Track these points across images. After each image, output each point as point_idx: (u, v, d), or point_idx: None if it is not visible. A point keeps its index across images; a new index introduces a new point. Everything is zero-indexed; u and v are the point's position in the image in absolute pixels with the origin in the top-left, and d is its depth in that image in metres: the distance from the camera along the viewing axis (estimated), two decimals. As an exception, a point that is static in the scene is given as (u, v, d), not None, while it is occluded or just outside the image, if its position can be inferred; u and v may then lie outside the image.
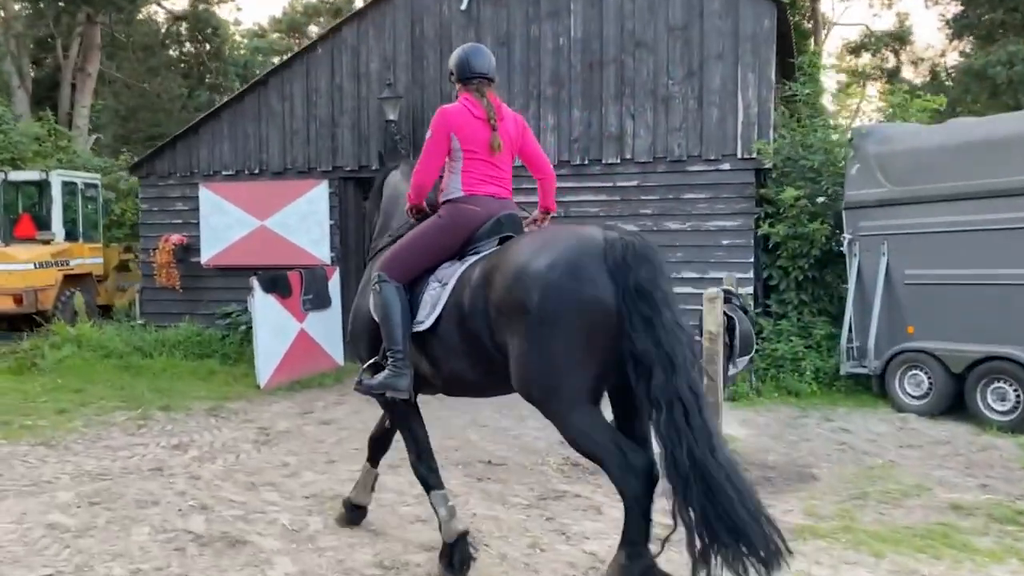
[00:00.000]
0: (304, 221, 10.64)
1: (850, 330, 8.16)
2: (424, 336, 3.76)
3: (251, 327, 10.38)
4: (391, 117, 9.91)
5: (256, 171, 10.94)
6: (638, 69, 9.29)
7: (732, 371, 7.87)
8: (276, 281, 9.15)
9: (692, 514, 3.01)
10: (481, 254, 3.73)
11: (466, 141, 3.88)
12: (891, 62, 28.44)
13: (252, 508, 4.96)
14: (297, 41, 33.39)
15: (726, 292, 7.82)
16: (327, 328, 10.02)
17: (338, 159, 10.54)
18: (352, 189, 10.72)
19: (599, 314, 3.16)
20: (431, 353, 3.79)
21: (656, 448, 3.18)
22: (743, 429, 7.01)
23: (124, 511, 4.86)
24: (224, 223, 10.97)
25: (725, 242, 9.03)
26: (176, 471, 5.77)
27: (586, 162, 9.47)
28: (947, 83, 23.73)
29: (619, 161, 9.36)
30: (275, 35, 33.58)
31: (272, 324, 9.06)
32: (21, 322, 12.03)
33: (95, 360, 9.92)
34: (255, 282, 8.79)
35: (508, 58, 9.73)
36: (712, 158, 9.04)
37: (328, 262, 10.53)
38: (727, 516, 2.97)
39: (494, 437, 6.85)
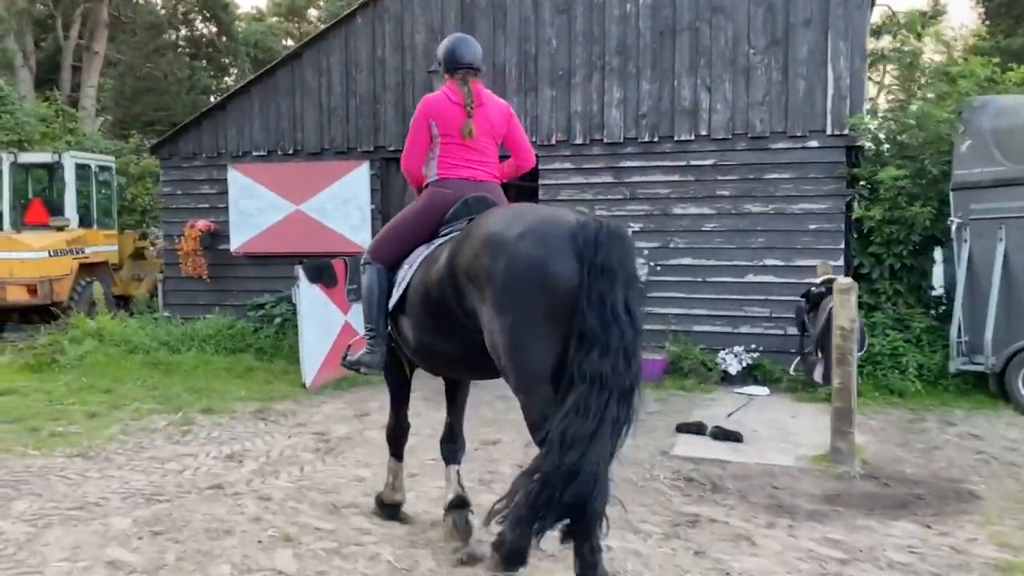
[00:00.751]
0: (343, 206, 9.89)
1: (959, 323, 7.46)
2: (396, 314, 4.00)
3: (287, 319, 9.71)
4: (441, 91, 9.14)
5: (290, 151, 10.17)
6: (715, 37, 8.53)
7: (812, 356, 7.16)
8: (321, 270, 8.42)
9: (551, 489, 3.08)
10: (448, 236, 3.85)
11: (443, 127, 4.07)
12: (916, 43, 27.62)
13: (344, 539, 4.24)
14: (296, 25, 32.50)
15: (826, 283, 7.14)
16: (370, 321, 9.27)
17: (380, 138, 9.78)
18: (395, 171, 9.94)
19: (561, 288, 3.19)
20: (403, 330, 4.00)
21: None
22: (860, 435, 6.31)
23: (194, 543, 4.14)
24: (255, 208, 10.21)
25: (812, 227, 8.30)
26: (239, 489, 5.05)
27: (656, 139, 8.73)
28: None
29: (693, 138, 8.61)
30: (274, 19, 32.66)
31: (318, 317, 8.34)
32: (34, 314, 11.30)
33: (119, 356, 9.18)
34: (300, 271, 8.06)
35: (569, 26, 8.97)
36: (798, 134, 8.30)
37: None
38: (575, 502, 3.08)
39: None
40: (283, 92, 10.16)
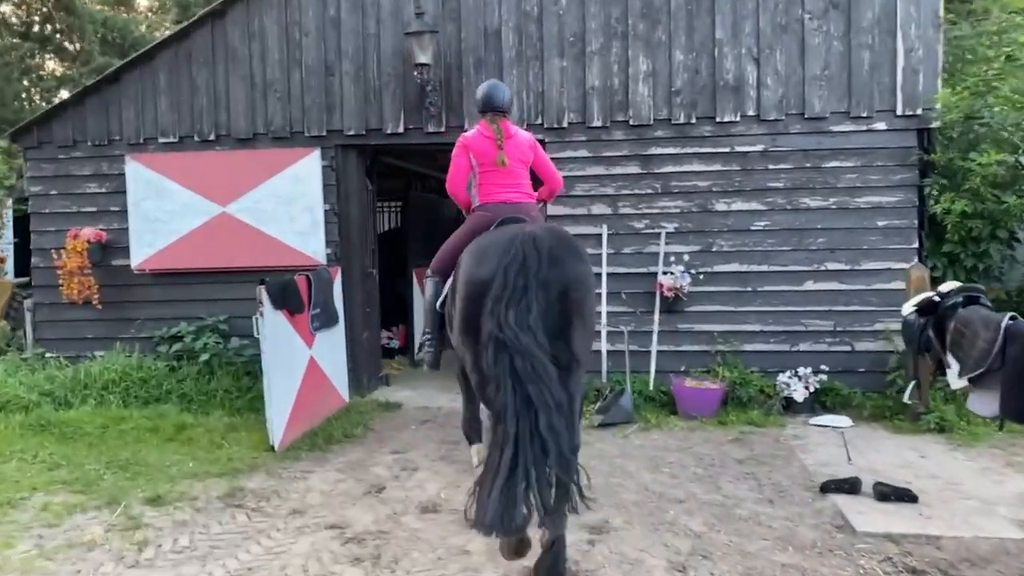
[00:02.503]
0: (286, 206, 7.85)
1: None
2: (444, 320, 4.68)
3: (215, 355, 7.60)
4: (422, 60, 7.33)
5: (211, 137, 8.01)
6: (764, 0, 7.25)
7: (959, 382, 5.97)
8: (287, 291, 6.42)
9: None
10: None
11: (479, 157, 4.87)
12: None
13: None
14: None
15: (959, 292, 5.97)
16: (333, 352, 7.35)
17: (335, 120, 7.83)
18: (355, 161, 8.03)
19: (474, 293, 3.65)
20: (447, 334, 4.57)
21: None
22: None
23: None
24: (165, 211, 7.97)
25: (881, 223, 7.18)
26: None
27: (692, 120, 7.34)
28: None
29: (738, 119, 7.29)
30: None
31: (284, 354, 6.34)
32: None
33: (-17, 417, 6.76)
34: (264, 294, 6.04)
35: (581, -17, 7.45)
36: (863, 115, 7.15)
37: (324, 261, 7.82)
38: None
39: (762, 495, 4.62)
40: (201, 61, 7.99)
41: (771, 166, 7.28)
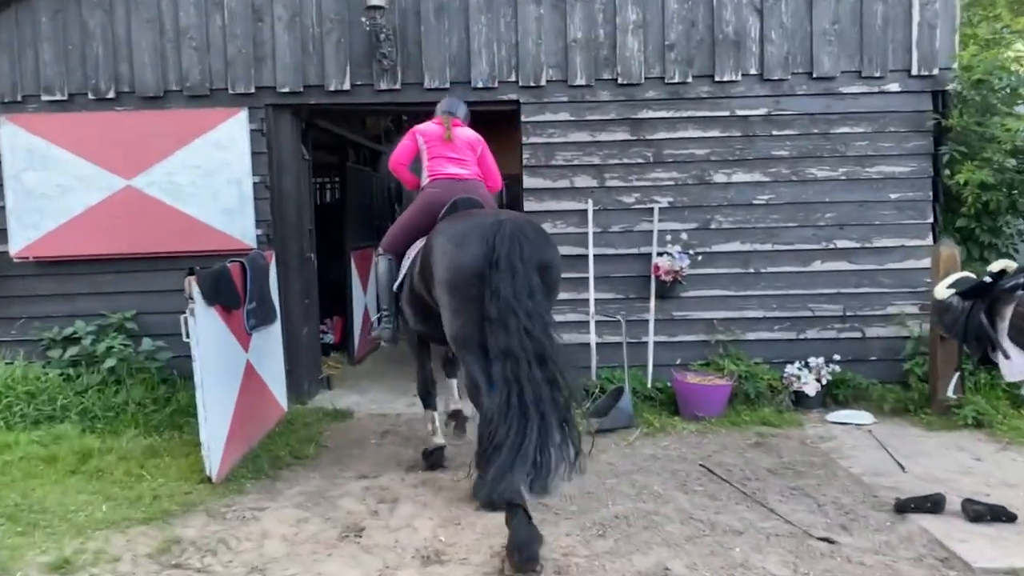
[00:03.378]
0: (207, 179, 6.55)
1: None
2: (400, 297, 5.09)
3: (123, 359, 6.33)
4: (374, 1, 6.16)
5: (109, 95, 6.60)
6: (766, -59, 6.45)
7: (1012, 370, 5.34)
8: (220, 282, 5.20)
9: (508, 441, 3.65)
10: None
11: (427, 138, 5.15)
12: None
13: None
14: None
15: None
16: (270, 354, 6.17)
17: (265, 74, 6.57)
18: (290, 125, 6.80)
19: (469, 277, 4.05)
20: (404, 311, 5.05)
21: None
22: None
23: None
24: (53, 185, 6.53)
25: (893, 195, 6.52)
26: None
27: (688, 79, 6.47)
28: None
29: (739, 78, 6.47)
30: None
31: (220, 361, 5.13)
32: None
33: None
34: (194, 287, 4.81)
35: (558, -83, 6.44)
36: (875, 75, 6.46)
37: (254, 244, 6.58)
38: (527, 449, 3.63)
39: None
40: (94, 0, 6.56)
41: (775, 132, 6.51)
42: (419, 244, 4.84)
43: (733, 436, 5.74)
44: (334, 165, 9.76)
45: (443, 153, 5.07)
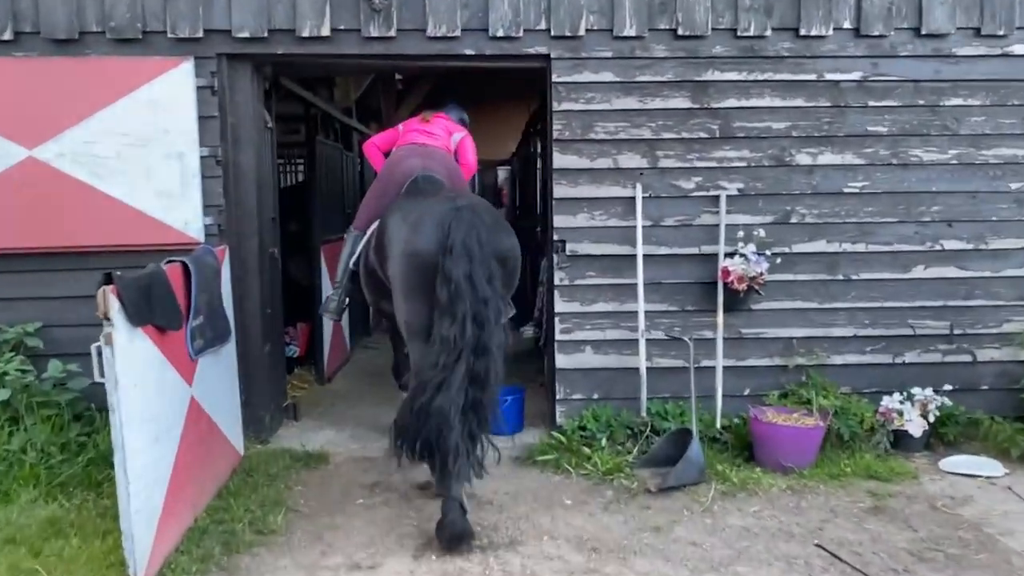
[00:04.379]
0: (139, 150, 5.00)
1: None
2: (356, 273, 4.98)
3: (28, 386, 4.81)
4: (365, -82, 4.70)
5: (6, 36, 4.99)
6: None
7: None
8: (152, 292, 3.68)
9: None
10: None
11: (406, 126, 5.35)
12: None
13: None
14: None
15: None
16: (222, 383, 4.69)
17: (216, 14, 5.02)
18: (250, 82, 5.27)
19: (423, 262, 3.91)
20: (362, 285, 4.89)
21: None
22: None
23: None
24: (-73, 154, 4.93)
25: (1014, 185, 5.27)
26: None
27: (766, 33, 5.12)
28: None
29: (828, 33, 5.14)
30: None
31: (151, 406, 3.63)
32: None
33: None
34: (112, 302, 3.30)
35: None
36: (998, 33, 5.19)
37: (201, 238, 5.07)
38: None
39: None
40: (-17, -91, 4.96)
41: (871, 102, 5.20)
42: (375, 223, 4.75)
43: (839, 497, 4.43)
44: (297, 144, 8.26)
45: (417, 126, 5.22)
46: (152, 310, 3.63)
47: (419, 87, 14.84)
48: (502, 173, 16.55)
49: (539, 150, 9.94)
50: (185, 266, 4.11)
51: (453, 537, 3.74)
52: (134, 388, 3.42)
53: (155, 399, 3.66)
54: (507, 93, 14.70)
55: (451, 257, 3.75)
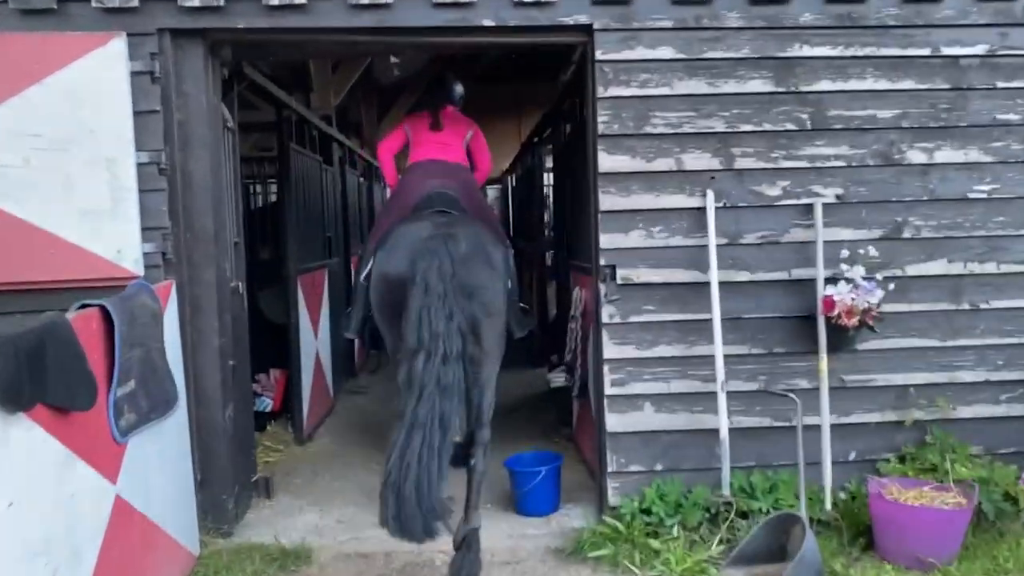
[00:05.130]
0: (55, 155, 3.78)
1: None
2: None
3: None
4: None
5: None
6: None
7: None
8: (44, 355, 2.47)
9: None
10: None
11: (414, 129, 4.99)
12: None
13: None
14: None
15: None
16: (165, 467, 3.48)
17: (157, -22, 3.88)
18: (205, 66, 4.05)
19: (389, 288, 3.80)
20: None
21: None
22: None
23: None
24: None
25: None
26: None
27: (865, -2, 4.05)
28: None
29: (943, -3, 4.09)
30: None
31: (37, 532, 2.42)
32: None
33: None
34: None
35: None
36: None
37: (140, 270, 3.86)
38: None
39: None
40: None
41: (1000, 84, 4.10)
42: None
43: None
44: (269, 157, 7.08)
45: (428, 137, 4.92)
46: (44, 383, 2.43)
47: (404, 96, 13.78)
48: (492, 192, 15.54)
49: (544, 161, 8.86)
50: (104, 313, 2.92)
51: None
52: (8, 509, 2.21)
53: (50, 516, 2.46)
54: (497, 109, 13.72)
55: (412, 286, 3.56)
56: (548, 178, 8.99)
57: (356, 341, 8.54)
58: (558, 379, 4.92)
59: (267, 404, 6.11)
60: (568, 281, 5.98)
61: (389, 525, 3.23)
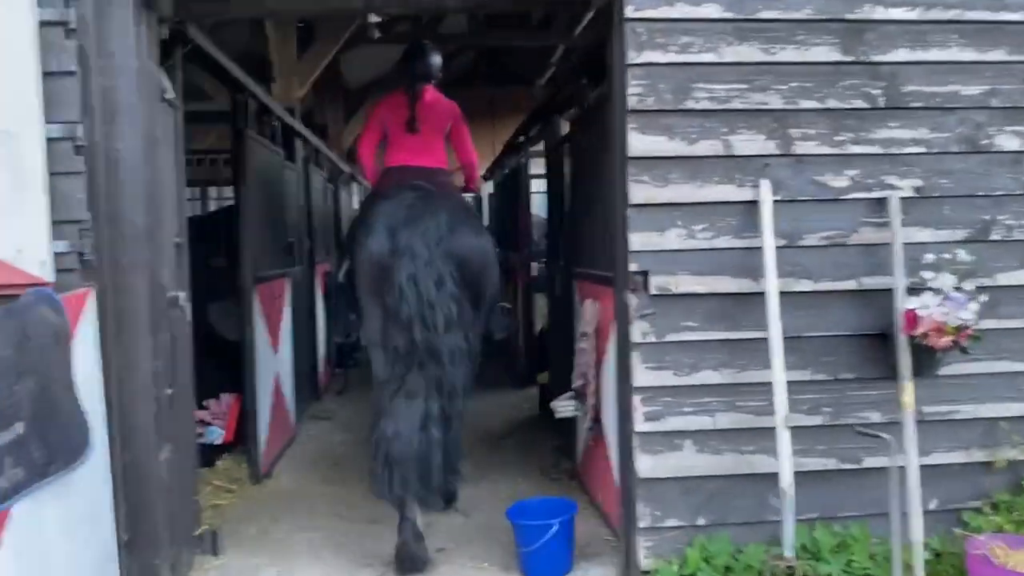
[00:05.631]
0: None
1: None
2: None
3: None
4: None
5: None
6: None
7: None
8: None
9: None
10: None
11: (391, 122, 4.63)
12: None
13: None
14: None
15: None
16: (74, 528, 2.64)
17: (74, -95, 3.06)
18: (140, 22, 3.22)
19: (375, 266, 3.76)
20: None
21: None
22: None
23: None
24: None
25: None
26: None
27: (946, -47, 3.36)
28: None
29: (1037, -49, 3.41)
30: None
31: None
32: None
33: None
34: None
35: None
36: None
37: (45, 274, 3.01)
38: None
39: None
40: None
41: (1097, 58, 3.47)
42: None
43: None
44: (223, 150, 6.22)
45: (405, 142, 4.56)
46: None
47: (371, 100, 12.98)
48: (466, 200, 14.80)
49: (529, 163, 8.13)
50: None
51: (405, 561, 3.59)
52: None
53: None
54: (470, 114, 13.05)
55: (396, 258, 3.61)
56: (533, 183, 8.31)
57: (320, 362, 7.74)
58: (566, 408, 4.14)
59: (218, 435, 5.23)
60: (566, 292, 5.23)
61: (390, 496, 3.55)
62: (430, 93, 4.66)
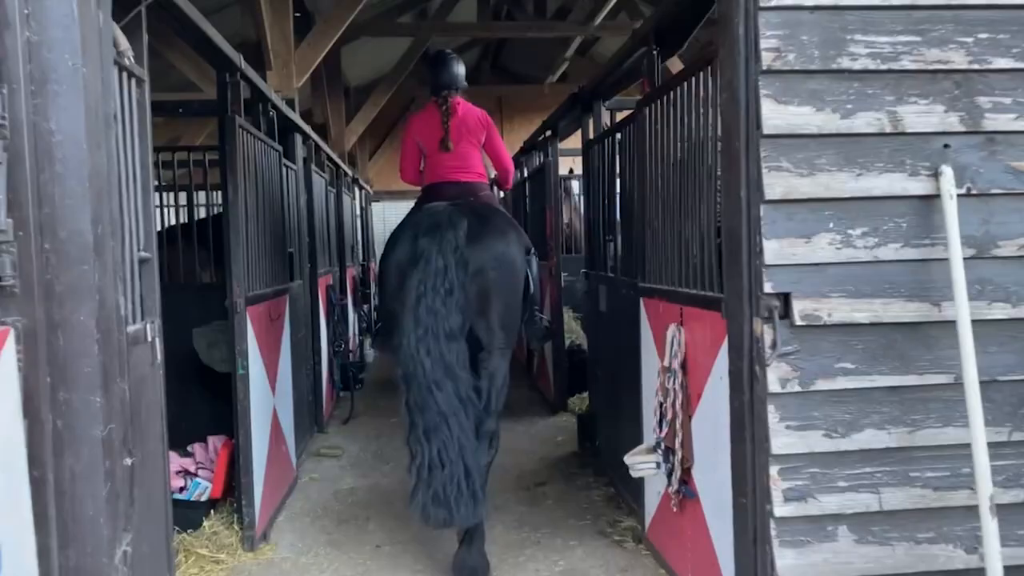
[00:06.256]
0: None
1: None
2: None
3: None
4: None
5: None
6: None
7: None
8: None
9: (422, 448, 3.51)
10: None
11: (425, 142, 4.62)
12: None
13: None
14: None
15: None
16: None
17: None
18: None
19: (397, 273, 3.84)
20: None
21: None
22: None
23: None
24: None
25: None
26: None
27: None
28: None
29: None
30: None
31: None
32: None
33: None
34: None
35: None
36: None
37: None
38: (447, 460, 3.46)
39: None
40: None
41: None
42: None
43: None
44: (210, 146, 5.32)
45: (441, 159, 4.54)
46: None
47: (374, 98, 12.15)
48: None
49: (556, 160, 7.23)
50: None
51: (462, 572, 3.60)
52: None
53: None
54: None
55: (412, 265, 3.65)
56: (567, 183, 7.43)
57: (324, 385, 6.83)
58: (646, 467, 3.21)
59: (204, 489, 4.30)
60: (621, 310, 4.35)
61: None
62: (461, 106, 4.60)
